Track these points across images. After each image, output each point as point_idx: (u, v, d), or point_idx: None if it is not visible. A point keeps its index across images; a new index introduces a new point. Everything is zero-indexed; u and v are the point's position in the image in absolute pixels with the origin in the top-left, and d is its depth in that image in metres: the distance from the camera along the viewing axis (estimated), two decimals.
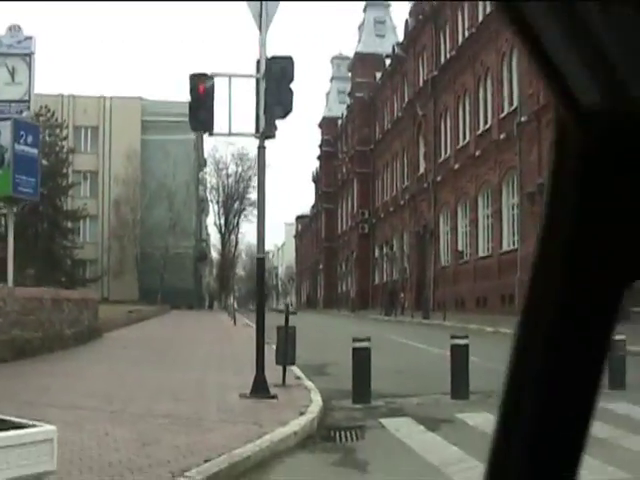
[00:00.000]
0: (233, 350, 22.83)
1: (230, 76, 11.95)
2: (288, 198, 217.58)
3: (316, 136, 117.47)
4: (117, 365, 17.03)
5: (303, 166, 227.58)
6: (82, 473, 6.91)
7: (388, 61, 69.07)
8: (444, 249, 55.18)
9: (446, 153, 55.40)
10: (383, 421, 10.91)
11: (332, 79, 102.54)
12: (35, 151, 22.12)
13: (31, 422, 5.77)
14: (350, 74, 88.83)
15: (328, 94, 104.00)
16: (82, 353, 19.27)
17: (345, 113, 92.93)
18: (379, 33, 75.63)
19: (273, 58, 11.58)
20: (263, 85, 11.56)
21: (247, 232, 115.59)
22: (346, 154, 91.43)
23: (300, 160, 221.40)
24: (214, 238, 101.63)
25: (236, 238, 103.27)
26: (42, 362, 16.46)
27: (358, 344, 12.43)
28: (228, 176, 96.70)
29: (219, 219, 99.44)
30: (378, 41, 75.18)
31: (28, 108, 22.08)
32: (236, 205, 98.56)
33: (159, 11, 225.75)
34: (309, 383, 13.64)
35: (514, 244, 41.97)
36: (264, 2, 11.87)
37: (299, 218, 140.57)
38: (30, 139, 21.87)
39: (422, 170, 61.31)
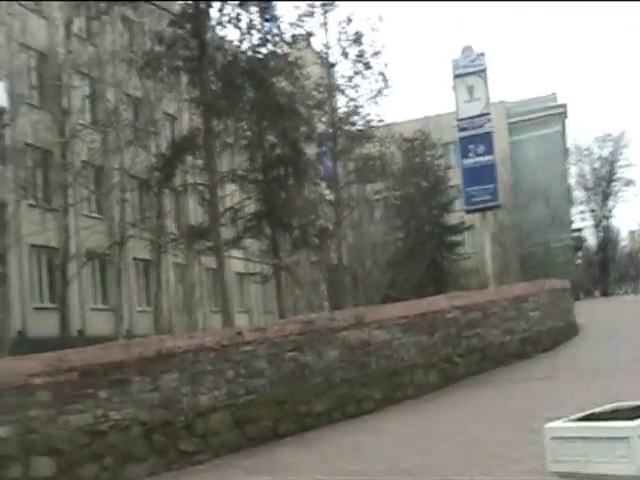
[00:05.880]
0: None
1: None
2: None
3: None
4: None
5: None
6: None
7: None
8: None
9: None
10: None
11: None
12: (488, 158, 23.34)
13: None
14: None
15: None
16: (598, 338, 19.73)
17: None
18: None
19: None
20: None
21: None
22: None
23: None
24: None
25: (608, 222, 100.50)
26: (589, 347, 17.27)
27: None
28: (594, 160, 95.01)
29: (589, 205, 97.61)
30: None
31: (489, 120, 23.65)
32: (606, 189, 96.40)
33: None
34: None
35: None
36: None
37: None
38: (481, 148, 23.26)
39: None
